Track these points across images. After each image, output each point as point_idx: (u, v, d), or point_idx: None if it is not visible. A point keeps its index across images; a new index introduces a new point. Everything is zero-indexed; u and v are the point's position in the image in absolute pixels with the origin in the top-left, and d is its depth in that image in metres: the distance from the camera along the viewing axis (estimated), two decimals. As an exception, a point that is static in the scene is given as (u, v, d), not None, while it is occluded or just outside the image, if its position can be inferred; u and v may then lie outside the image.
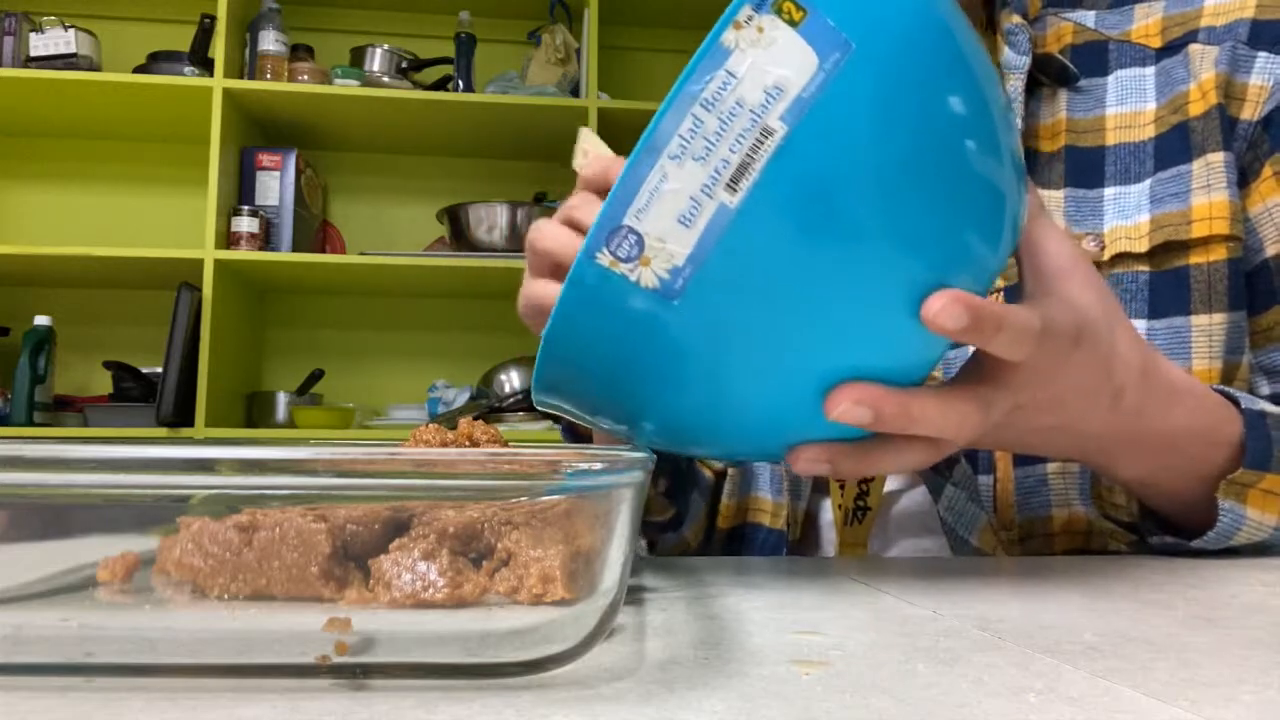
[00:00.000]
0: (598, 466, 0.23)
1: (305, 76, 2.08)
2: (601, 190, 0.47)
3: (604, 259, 0.30)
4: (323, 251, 2.21)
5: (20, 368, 1.93)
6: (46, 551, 0.24)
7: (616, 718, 0.21)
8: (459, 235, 2.11)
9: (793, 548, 0.65)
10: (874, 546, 0.63)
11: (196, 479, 0.22)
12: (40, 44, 2.01)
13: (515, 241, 2.08)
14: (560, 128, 2.18)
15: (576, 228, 0.46)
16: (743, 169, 0.29)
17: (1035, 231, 0.39)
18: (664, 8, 2.36)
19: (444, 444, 0.34)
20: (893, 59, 0.31)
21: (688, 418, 0.36)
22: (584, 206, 0.46)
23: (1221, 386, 0.49)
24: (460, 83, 2.14)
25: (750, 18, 0.29)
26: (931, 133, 0.31)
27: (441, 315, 2.34)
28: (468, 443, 0.34)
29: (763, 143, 0.29)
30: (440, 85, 2.20)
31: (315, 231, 2.21)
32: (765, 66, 0.29)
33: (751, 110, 0.29)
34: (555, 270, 0.45)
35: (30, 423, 1.92)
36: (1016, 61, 0.63)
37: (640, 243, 0.30)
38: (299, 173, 2.09)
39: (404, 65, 2.20)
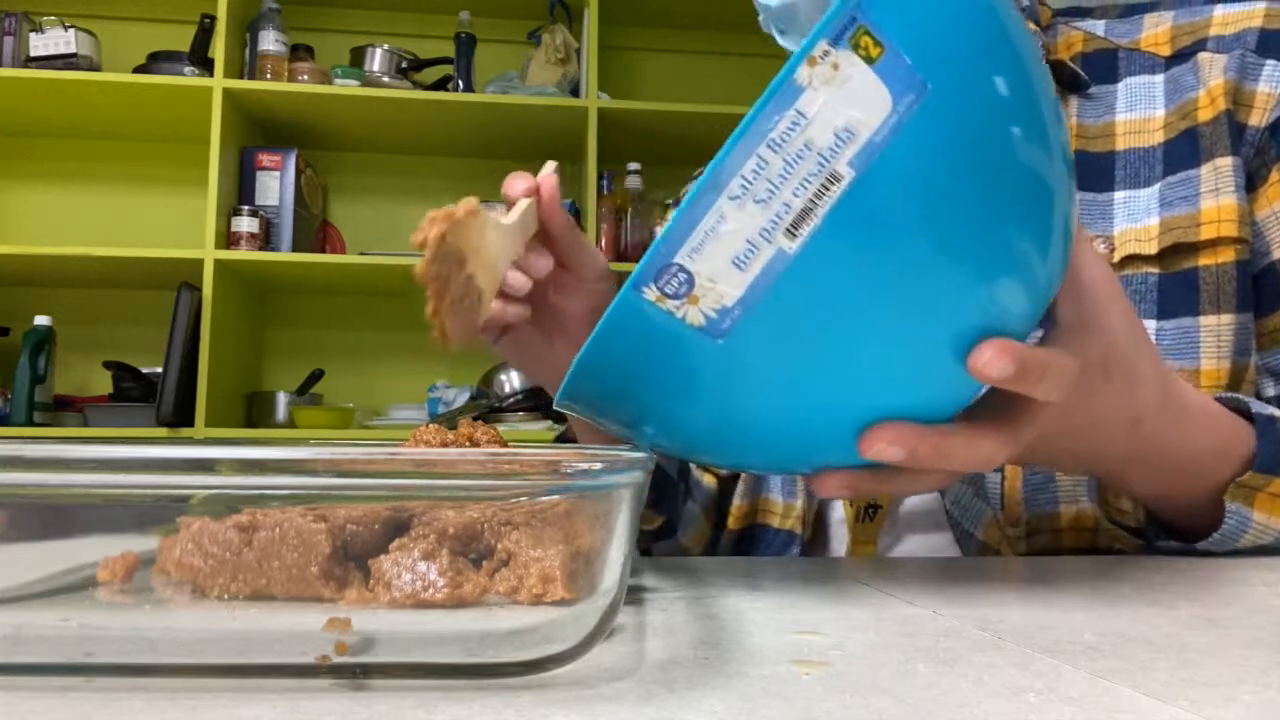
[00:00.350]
0: (598, 466, 0.23)
1: (305, 76, 2.08)
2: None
3: (650, 294, 0.30)
4: (323, 251, 2.21)
5: (20, 368, 1.93)
6: (46, 551, 0.24)
7: (616, 718, 0.21)
8: (459, 235, 2.11)
9: (804, 547, 0.66)
10: (884, 543, 0.63)
11: (196, 479, 0.22)
12: (40, 44, 2.01)
13: (515, 241, 2.08)
14: (560, 128, 2.18)
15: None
16: (805, 214, 0.28)
17: (1076, 257, 0.39)
18: (664, 8, 2.36)
19: (444, 444, 0.34)
20: (966, 102, 0.29)
21: (710, 439, 0.36)
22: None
23: (1234, 395, 0.50)
24: (460, 83, 2.14)
25: (826, 53, 0.28)
26: (1000, 180, 0.31)
27: (441, 315, 2.34)
28: (468, 443, 0.34)
29: (828, 189, 0.28)
30: (440, 85, 2.20)
31: (315, 231, 2.21)
32: (837, 107, 0.28)
33: (820, 153, 0.28)
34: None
35: (30, 423, 1.92)
36: None
37: (690, 282, 0.29)
38: (299, 173, 2.09)
39: (404, 65, 2.20)
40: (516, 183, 0.50)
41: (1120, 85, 0.65)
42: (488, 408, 2.01)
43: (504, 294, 0.50)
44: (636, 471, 0.24)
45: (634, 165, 2.22)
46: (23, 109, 2.09)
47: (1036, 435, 0.37)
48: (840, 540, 0.66)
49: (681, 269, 0.29)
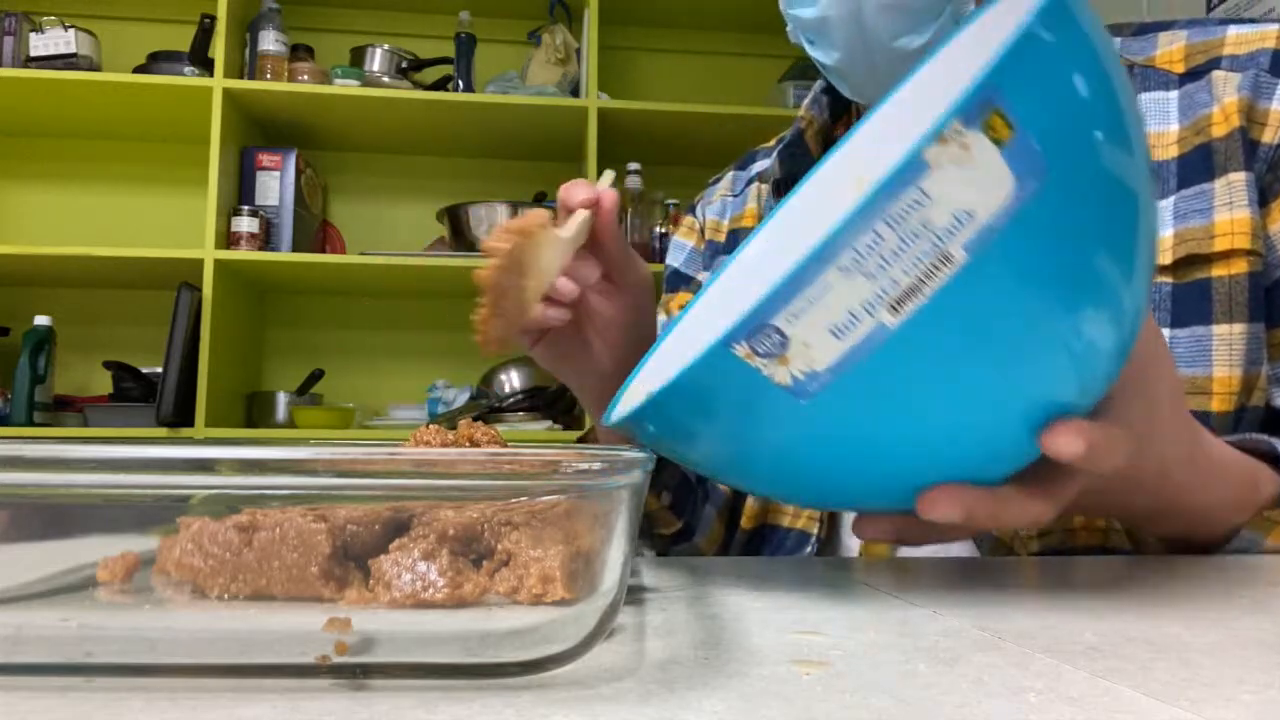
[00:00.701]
0: (597, 466, 0.23)
1: (305, 76, 2.08)
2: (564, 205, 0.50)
3: (740, 350, 0.30)
4: (323, 251, 2.21)
5: (20, 368, 1.93)
6: (46, 551, 0.24)
7: (616, 718, 0.21)
8: (459, 235, 2.11)
9: (819, 546, 0.66)
10: None
11: (196, 479, 0.22)
12: (40, 44, 2.01)
13: (515, 241, 2.08)
14: (560, 128, 2.18)
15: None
16: (911, 292, 0.28)
17: None
18: (664, 8, 2.36)
19: (444, 445, 0.34)
20: (1081, 186, 0.29)
21: (768, 478, 0.37)
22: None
23: (1260, 437, 0.52)
24: (460, 83, 2.14)
25: (958, 133, 0.27)
26: (1106, 262, 0.31)
27: (441, 315, 2.34)
28: (468, 444, 0.34)
29: (938, 269, 0.28)
30: (440, 85, 2.20)
31: (315, 231, 2.21)
32: (960, 189, 0.28)
33: (935, 234, 0.28)
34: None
35: (30, 423, 1.92)
36: None
37: (784, 344, 0.29)
38: (299, 173, 2.09)
39: (404, 65, 2.20)
40: (577, 192, 0.50)
41: None
42: (488, 408, 2.01)
43: (548, 298, 0.50)
44: (636, 472, 0.24)
45: (634, 165, 2.22)
46: (23, 109, 2.09)
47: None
48: (855, 539, 0.66)
49: (778, 331, 0.29)
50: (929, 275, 0.28)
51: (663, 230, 2.21)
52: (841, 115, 0.76)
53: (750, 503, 0.70)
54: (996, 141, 0.28)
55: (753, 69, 2.47)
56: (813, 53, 0.65)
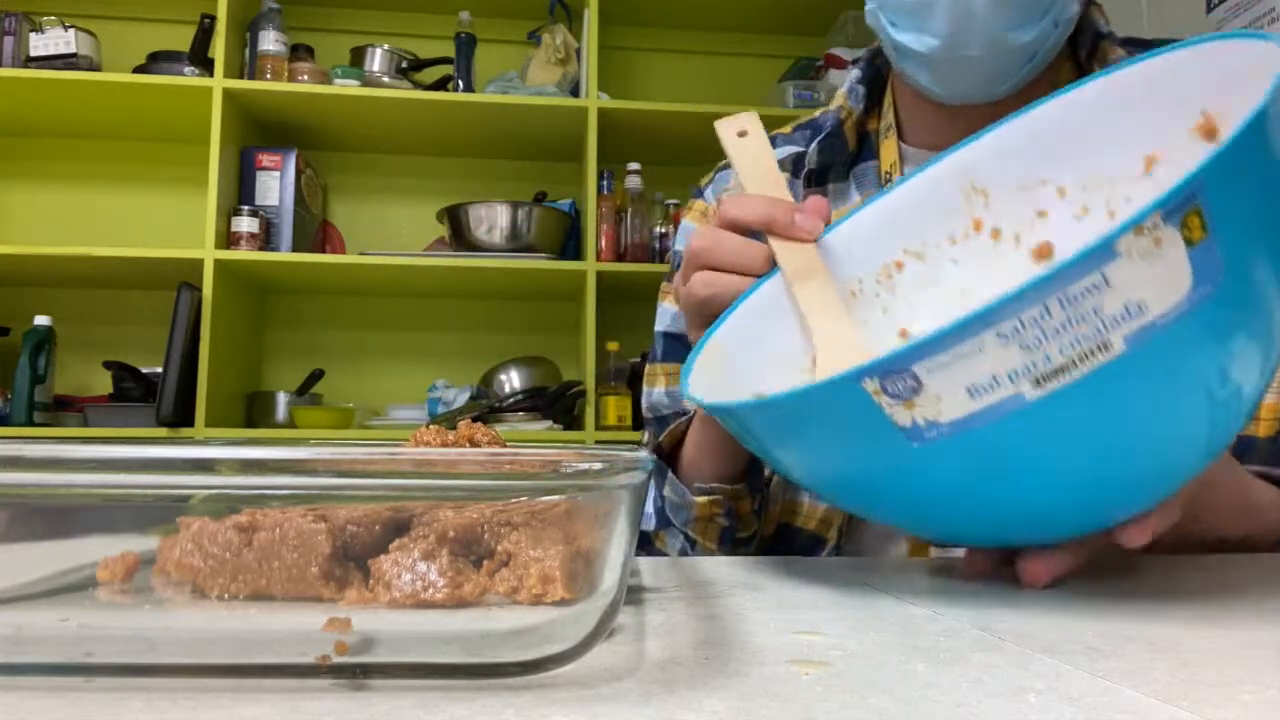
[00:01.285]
0: (598, 467, 0.23)
1: (305, 76, 2.08)
2: (740, 227, 0.51)
3: (870, 386, 0.30)
4: (323, 251, 2.21)
5: (20, 368, 1.93)
6: (46, 551, 0.24)
7: (616, 718, 0.21)
8: (459, 235, 2.11)
9: (837, 552, 0.66)
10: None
11: (196, 479, 0.22)
12: (40, 44, 2.00)
13: (515, 241, 2.08)
14: (560, 128, 2.18)
15: (737, 228, 0.51)
16: (1060, 371, 0.28)
17: None
18: (664, 8, 2.36)
19: (444, 445, 0.34)
20: (1247, 300, 0.30)
21: (860, 502, 0.38)
22: (741, 204, 0.51)
23: None
24: (460, 83, 2.14)
25: (1155, 226, 0.27)
26: (1246, 372, 0.31)
27: (441, 315, 2.34)
28: (468, 444, 0.34)
29: (1093, 355, 0.28)
30: (440, 85, 2.20)
31: (315, 231, 2.21)
32: (1140, 282, 0.28)
33: (1102, 320, 0.28)
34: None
35: (30, 423, 1.92)
36: None
37: (916, 390, 0.30)
38: (299, 173, 2.09)
39: (404, 65, 2.19)
40: (813, 223, 0.51)
41: None
42: (488, 408, 2.01)
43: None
44: (636, 472, 0.24)
45: (634, 165, 2.22)
46: (23, 109, 2.09)
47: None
48: (872, 549, 0.67)
49: (914, 378, 0.29)
50: (1083, 359, 0.28)
51: (663, 230, 2.21)
52: (873, 109, 0.74)
53: (771, 506, 0.70)
54: (1188, 241, 0.28)
55: (753, 69, 2.47)
56: (899, 37, 0.62)
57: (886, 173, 0.71)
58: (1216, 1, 1.70)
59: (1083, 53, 0.68)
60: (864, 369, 0.30)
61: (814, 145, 0.72)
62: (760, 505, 0.66)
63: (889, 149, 0.71)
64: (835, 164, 0.72)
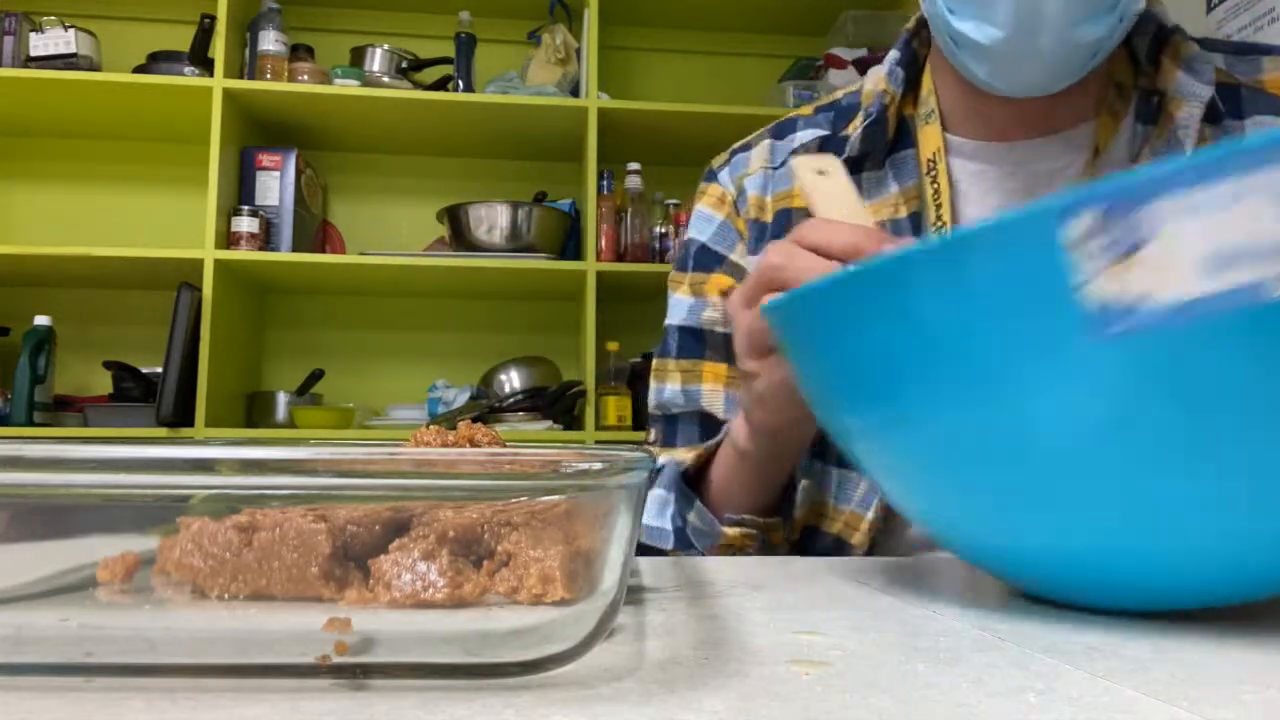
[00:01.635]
0: (598, 467, 0.23)
1: (305, 76, 2.08)
2: (822, 253, 0.48)
3: (1075, 228, 0.21)
4: (323, 251, 2.21)
5: (20, 368, 1.93)
6: (46, 551, 0.24)
7: (616, 718, 0.21)
8: (459, 235, 2.11)
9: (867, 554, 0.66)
10: None
11: (196, 479, 0.22)
12: (40, 44, 2.00)
13: (515, 241, 2.08)
14: (560, 128, 2.18)
15: (817, 253, 0.47)
16: None
17: None
18: (664, 8, 2.36)
19: (444, 445, 0.34)
20: None
21: (967, 452, 0.29)
22: (824, 230, 0.47)
23: None
24: (460, 83, 2.14)
25: None
26: None
27: (441, 315, 2.34)
28: (468, 444, 0.34)
29: None
30: (440, 85, 2.20)
31: (315, 231, 2.21)
32: None
33: None
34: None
35: (30, 423, 1.92)
36: (1199, 90, 0.62)
37: (1138, 245, 0.21)
38: (299, 173, 2.09)
39: (404, 65, 2.20)
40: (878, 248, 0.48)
41: (1248, 122, 0.64)
42: (488, 408, 2.01)
43: None
44: (636, 472, 0.24)
45: (634, 165, 2.22)
46: (23, 109, 2.09)
47: None
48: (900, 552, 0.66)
49: (1151, 221, 0.20)
50: None
51: (663, 230, 2.21)
52: (908, 94, 0.71)
53: (797, 512, 0.67)
54: None
55: (753, 69, 2.47)
56: (959, 26, 0.59)
57: (929, 160, 0.68)
58: (1216, 1, 1.70)
59: (1140, 43, 0.66)
60: (1072, 200, 0.21)
61: (859, 131, 0.69)
62: (791, 529, 0.65)
63: (930, 137, 0.68)
64: (874, 151, 0.69)
